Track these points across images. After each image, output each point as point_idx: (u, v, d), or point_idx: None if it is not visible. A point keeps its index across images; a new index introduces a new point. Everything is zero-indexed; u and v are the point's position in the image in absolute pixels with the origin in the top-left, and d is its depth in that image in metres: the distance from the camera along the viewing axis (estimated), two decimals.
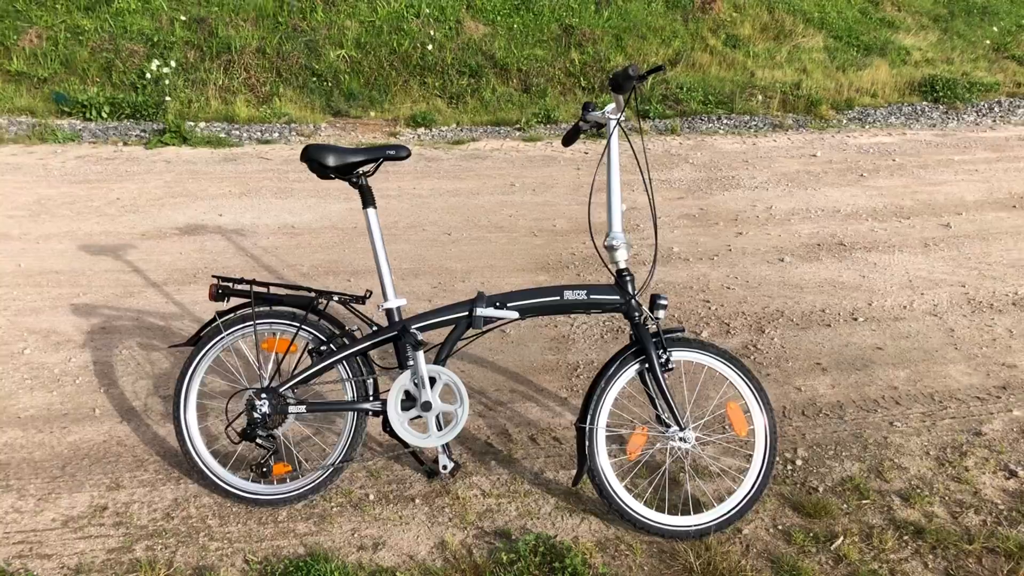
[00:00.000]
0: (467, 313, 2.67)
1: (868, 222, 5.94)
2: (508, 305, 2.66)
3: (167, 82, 8.90)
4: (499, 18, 10.34)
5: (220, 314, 2.78)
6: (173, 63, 9.04)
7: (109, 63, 9.15)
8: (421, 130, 8.74)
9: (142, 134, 8.16)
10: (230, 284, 2.75)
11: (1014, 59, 11.59)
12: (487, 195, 6.50)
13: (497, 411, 3.42)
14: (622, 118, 2.68)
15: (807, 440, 3.23)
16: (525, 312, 2.67)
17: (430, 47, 9.61)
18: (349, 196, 6.23)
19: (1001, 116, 9.95)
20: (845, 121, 9.64)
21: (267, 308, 2.76)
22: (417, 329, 2.67)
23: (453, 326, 2.70)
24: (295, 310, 2.76)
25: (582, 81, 9.85)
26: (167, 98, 8.72)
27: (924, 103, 10.36)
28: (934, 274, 4.95)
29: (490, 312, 2.65)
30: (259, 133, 8.34)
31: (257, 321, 2.73)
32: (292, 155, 7.58)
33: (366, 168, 2.73)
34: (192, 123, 8.43)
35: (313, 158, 2.65)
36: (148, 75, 8.93)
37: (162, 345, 3.92)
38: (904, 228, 5.81)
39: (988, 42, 11.87)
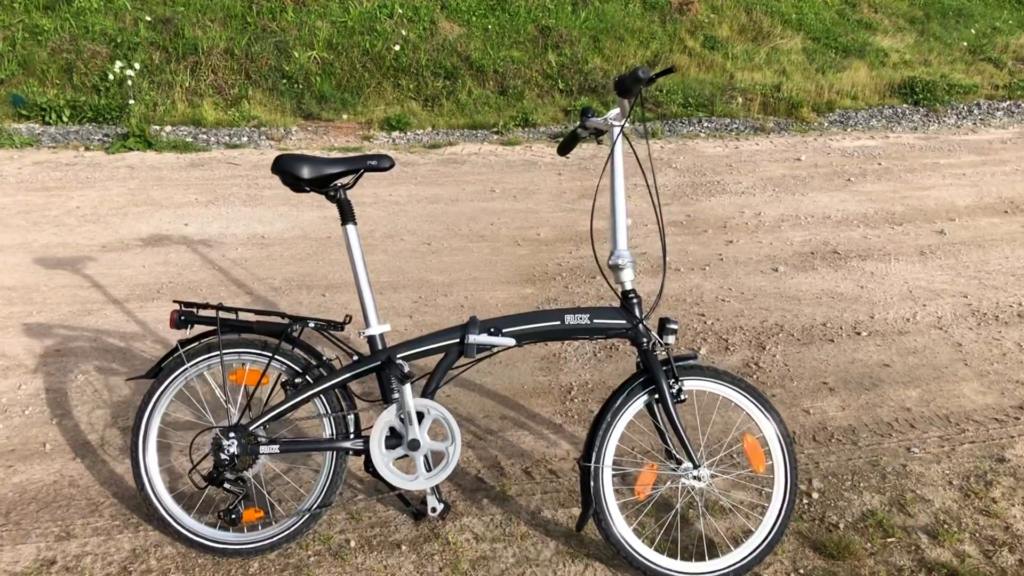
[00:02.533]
0: (458, 340, 2.41)
1: (860, 229, 5.76)
2: (504, 331, 2.40)
3: (130, 84, 8.54)
4: (474, 18, 10.09)
5: (183, 343, 2.50)
6: (137, 65, 8.69)
7: (70, 64, 8.78)
8: (396, 134, 8.47)
9: (105, 139, 7.81)
10: (194, 310, 2.47)
11: (990, 61, 11.54)
12: (467, 202, 6.24)
13: (487, 441, 3.16)
14: (627, 125, 2.44)
15: (822, 469, 3.01)
16: (523, 339, 2.42)
17: (398, 47, 9.33)
18: (322, 203, 5.95)
19: (981, 119, 9.87)
20: (827, 124, 9.51)
21: (235, 336, 2.48)
22: (403, 359, 2.41)
23: (443, 354, 2.44)
24: (266, 338, 2.48)
25: (560, 83, 9.63)
26: (131, 101, 8.36)
27: (904, 105, 10.26)
28: (934, 284, 4.77)
29: (484, 339, 2.39)
30: (227, 137, 8.02)
31: (224, 351, 2.46)
32: (261, 160, 7.28)
33: (345, 180, 2.47)
34: (157, 127, 8.10)
35: (285, 170, 2.38)
36: (111, 77, 8.57)
37: (122, 369, 3.62)
38: (898, 235, 5.63)
39: (964, 44, 11.82)
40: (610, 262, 2.42)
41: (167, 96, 8.63)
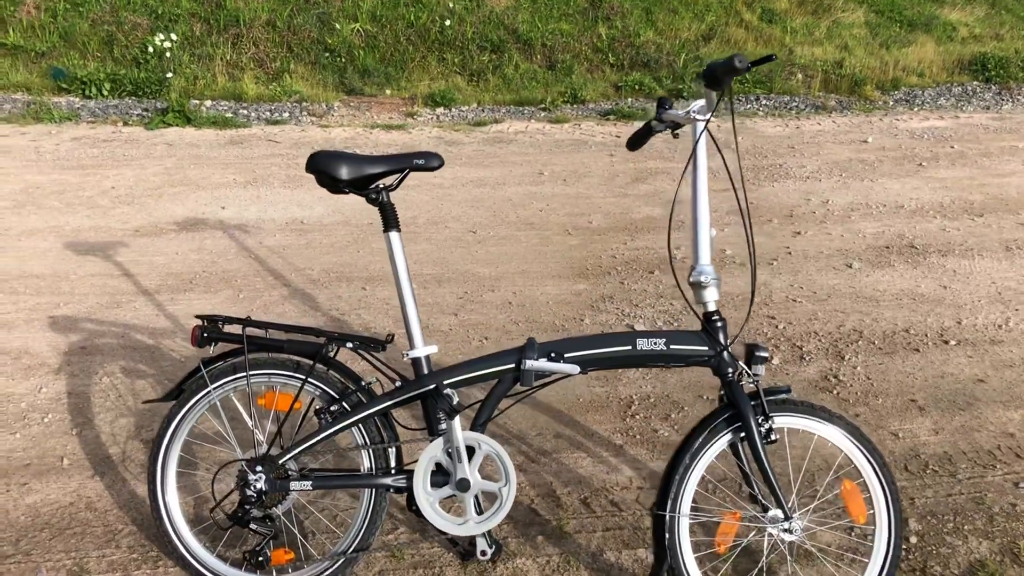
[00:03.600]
0: (514, 366, 2.11)
1: (937, 220, 5.34)
2: (566, 356, 2.10)
3: (169, 56, 8.31)
4: None
5: (206, 362, 2.23)
6: (174, 36, 8.44)
7: (111, 36, 8.59)
8: (440, 110, 8.15)
9: (144, 113, 7.61)
10: (218, 324, 2.21)
11: None
12: (514, 185, 5.92)
13: (541, 464, 2.87)
14: (712, 119, 2.11)
15: (918, 507, 2.67)
16: (588, 365, 2.11)
17: (448, 22, 8.98)
18: None
19: None
20: (892, 103, 8.99)
21: (264, 356, 2.21)
22: (451, 385, 2.12)
23: (496, 381, 2.15)
24: (299, 359, 2.21)
25: (610, 57, 9.22)
26: (170, 74, 8.14)
27: (975, 83, 9.68)
28: None
29: (543, 365, 2.09)
30: (268, 113, 7.77)
31: (252, 372, 2.19)
32: (302, 138, 7.02)
33: (388, 181, 2.17)
34: (197, 101, 7.86)
35: (322, 169, 2.09)
36: (151, 49, 8.35)
37: (149, 370, 3.39)
38: (979, 228, 5.21)
39: None
40: (691, 279, 2.10)
41: (207, 69, 8.40)
